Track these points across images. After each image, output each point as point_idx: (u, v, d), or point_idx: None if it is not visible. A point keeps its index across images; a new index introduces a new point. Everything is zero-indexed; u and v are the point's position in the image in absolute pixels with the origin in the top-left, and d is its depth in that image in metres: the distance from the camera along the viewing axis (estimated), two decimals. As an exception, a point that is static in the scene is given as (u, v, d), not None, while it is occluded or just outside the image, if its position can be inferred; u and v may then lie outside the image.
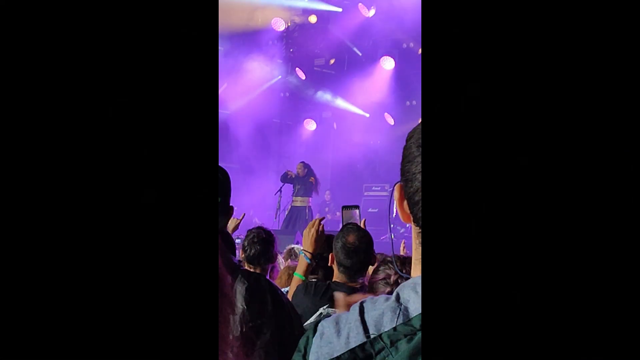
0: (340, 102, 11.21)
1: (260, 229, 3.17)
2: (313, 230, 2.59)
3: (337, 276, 2.55)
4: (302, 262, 2.64)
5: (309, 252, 2.59)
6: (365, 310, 0.83)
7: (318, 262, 2.70)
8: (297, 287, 2.57)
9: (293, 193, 9.80)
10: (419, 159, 0.83)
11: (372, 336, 0.79)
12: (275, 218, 9.82)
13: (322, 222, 2.63)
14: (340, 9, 10.82)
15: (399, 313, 0.79)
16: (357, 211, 2.66)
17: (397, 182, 0.90)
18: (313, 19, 11.13)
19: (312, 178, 9.64)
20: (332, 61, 11.36)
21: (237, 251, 3.08)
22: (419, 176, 0.82)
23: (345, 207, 2.66)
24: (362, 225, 2.67)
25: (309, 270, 2.65)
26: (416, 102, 10.24)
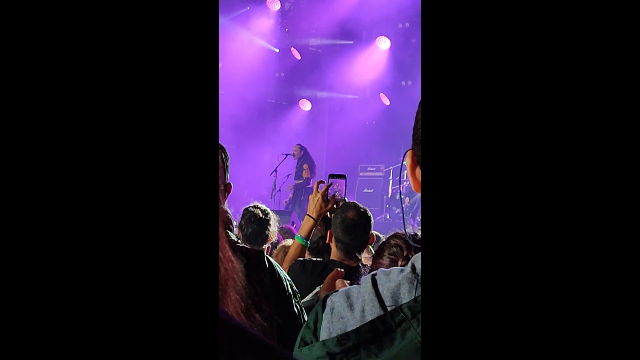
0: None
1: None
2: (319, 195, 2.56)
3: (335, 254, 2.56)
4: (306, 225, 2.60)
5: (313, 218, 2.57)
6: (378, 283, 0.79)
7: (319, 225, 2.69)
8: (294, 264, 2.57)
9: (294, 177, 9.90)
10: None
11: (389, 308, 0.75)
12: (271, 198, 9.84)
13: (325, 185, 2.59)
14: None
15: (417, 284, 0.76)
16: (344, 181, 2.65)
17: (409, 149, 0.84)
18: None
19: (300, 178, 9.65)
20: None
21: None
22: None
23: (332, 176, 2.65)
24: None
25: (310, 233, 2.62)
26: (412, 83, 10.19)
